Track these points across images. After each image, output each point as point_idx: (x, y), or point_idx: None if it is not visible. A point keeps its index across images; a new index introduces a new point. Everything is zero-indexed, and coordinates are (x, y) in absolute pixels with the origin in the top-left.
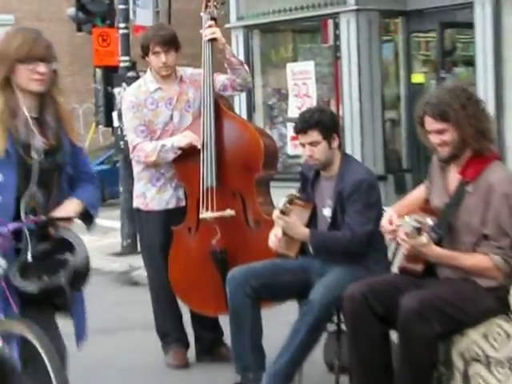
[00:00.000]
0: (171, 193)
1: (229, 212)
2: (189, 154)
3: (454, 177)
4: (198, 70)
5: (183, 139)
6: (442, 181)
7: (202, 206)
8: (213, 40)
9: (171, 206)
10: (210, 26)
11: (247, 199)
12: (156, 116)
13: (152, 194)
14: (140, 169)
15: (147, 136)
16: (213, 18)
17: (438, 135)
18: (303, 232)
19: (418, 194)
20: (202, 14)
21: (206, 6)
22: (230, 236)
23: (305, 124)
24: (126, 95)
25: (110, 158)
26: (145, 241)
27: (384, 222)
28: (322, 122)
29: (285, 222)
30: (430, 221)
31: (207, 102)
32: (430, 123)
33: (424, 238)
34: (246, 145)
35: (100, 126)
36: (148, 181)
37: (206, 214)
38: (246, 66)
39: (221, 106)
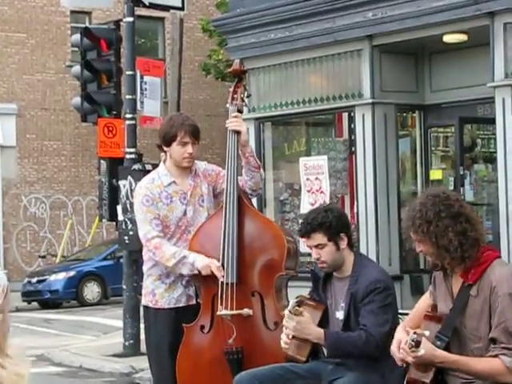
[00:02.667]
0: (181, 290)
1: (247, 311)
2: (207, 250)
3: (457, 281)
4: (211, 166)
5: (206, 268)
6: (446, 285)
7: (221, 303)
8: (236, 132)
9: (181, 304)
10: (236, 117)
11: (267, 298)
12: (171, 211)
13: (161, 292)
14: (150, 265)
15: (161, 231)
16: (239, 111)
17: (418, 244)
18: (317, 332)
19: (423, 304)
20: (228, 105)
21: (233, 98)
22: (247, 336)
23: (308, 226)
24: (139, 189)
25: (113, 254)
26: (152, 340)
27: (393, 347)
28: (326, 223)
29: (297, 322)
30: (426, 332)
31: (231, 194)
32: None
33: (422, 351)
34: (269, 242)
35: (103, 220)
36: (157, 278)
37: (223, 311)
38: (262, 172)
39: (244, 201)
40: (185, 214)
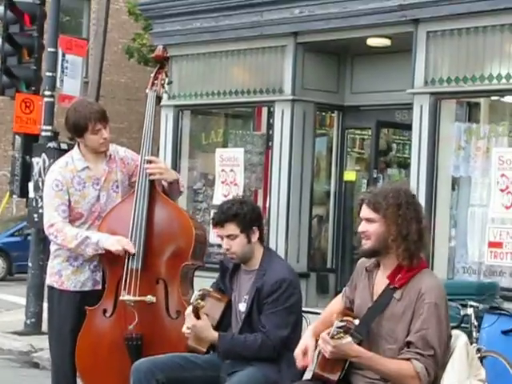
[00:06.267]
0: (88, 274)
1: (150, 298)
2: (116, 233)
3: (381, 281)
4: (131, 154)
5: (114, 244)
6: (369, 284)
7: (124, 288)
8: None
9: (86, 288)
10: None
11: (171, 287)
12: (83, 197)
13: (68, 274)
14: (58, 246)
15: (67, 218)
16: (158, 97)
17: (366, 224)
18: (211, 336)
19: (334, 306)
20: (147, 91)
21: (153, 84)
22: (148, 323)
23: (222, 216)
24: (51, 172)
25: (21, 231)
26: (55, 321)
27: (298, 351)
28: (241, 214)
29: (192, 325)
30: (356, 321)
31: (142, 179)
32: (363, 210)
33: (349, 338)
34: (177, 231)
35: (14, 196)
36: (65, 259)
37: (126, 297)
38: (183, 188)
39: (156, 188)
40: (98, 199)
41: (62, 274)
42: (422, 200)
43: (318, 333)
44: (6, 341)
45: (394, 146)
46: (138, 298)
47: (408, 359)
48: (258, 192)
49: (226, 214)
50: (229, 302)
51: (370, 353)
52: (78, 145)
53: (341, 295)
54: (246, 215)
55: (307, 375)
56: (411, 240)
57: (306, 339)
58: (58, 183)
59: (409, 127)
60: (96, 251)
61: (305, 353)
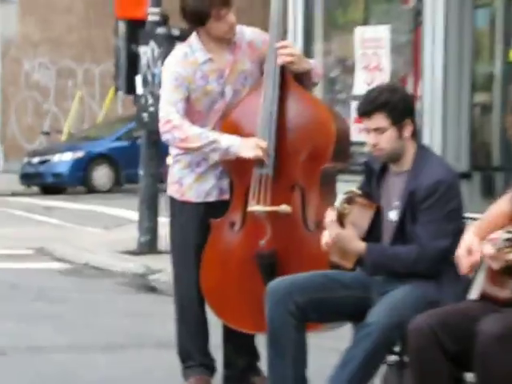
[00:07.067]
0: (213, 182)
1: (284, 208)
2: (242, 133)
3: None
4: (260, 35)
5: (252, 150)
6: None
7: (254, 198)
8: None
9: (211, 198)
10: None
11: (309, 195)
12: (205, 94)
13: (189, 182)
14: (177, 149)
15: (185, 116)
16: None
17: None
18: (358, 247)
19: (500, 208)
20: None
21: None
22: (283, 237)
23: (369, 105)
24: (169, 64)
25: (129, 133)
26: (176, 236)
27: (461, 252)
28: (392, 103)
29: (336, 235)
30: None
31: (272, 68)
32: None
33: None
34: (315, 127)
35: (119, 93)
36: (187, 165)
37: (256, 207)
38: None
39: (288, 77)
40: (222, 95)
41: (182, 183)
42: None
43: (483, 234)
44: (117, 262)
45: None
46: (270, 209)
47: None
48: (408, 78)
49: (374, 104)
50: (377, 209)
51: None
52: (197, 33)
53: (508, 196)
54: (398, 105)
55: (472, 294)
56: None
57: (469, 238)
58: (178, 76)
59: None
60: (224, 158)
61: (469, 253)
